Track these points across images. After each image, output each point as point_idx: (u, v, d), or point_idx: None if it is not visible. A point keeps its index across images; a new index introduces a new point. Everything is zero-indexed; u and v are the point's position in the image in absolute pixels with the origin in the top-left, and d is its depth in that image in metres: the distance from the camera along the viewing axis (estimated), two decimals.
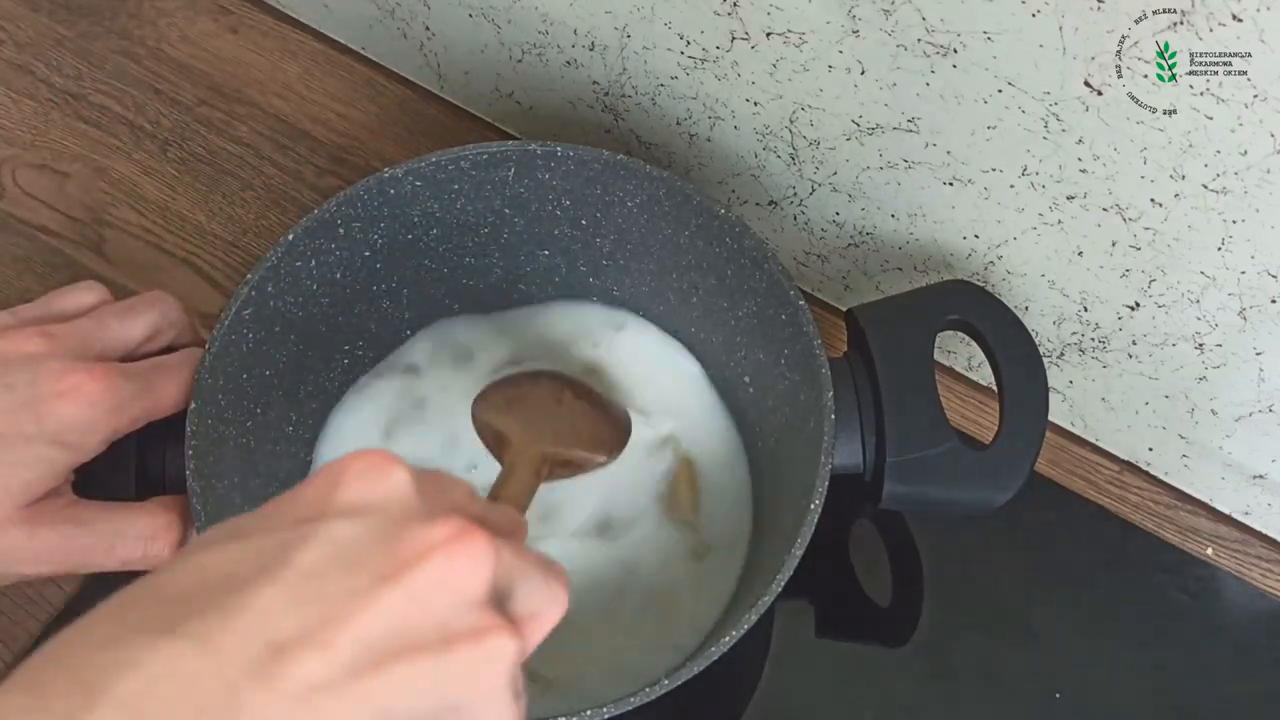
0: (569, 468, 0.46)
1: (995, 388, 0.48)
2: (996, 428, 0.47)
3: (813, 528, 0.44)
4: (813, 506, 0.44)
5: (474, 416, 0.48)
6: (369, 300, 0.55)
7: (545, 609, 0.31)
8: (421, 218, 0.53)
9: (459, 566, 0.28)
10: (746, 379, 0.54)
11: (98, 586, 0.46)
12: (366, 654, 0.26)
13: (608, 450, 0.48)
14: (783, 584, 0.43)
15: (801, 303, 0.48)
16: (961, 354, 0.60)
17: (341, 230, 0.51)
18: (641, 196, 0.52)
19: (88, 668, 0.23)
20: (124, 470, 0.45)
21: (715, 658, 0.42)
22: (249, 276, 0.48)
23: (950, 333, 0.49)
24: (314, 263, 0.51)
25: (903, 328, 0.49)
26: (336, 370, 0.55)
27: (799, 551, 0.43)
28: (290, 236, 0.49)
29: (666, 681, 0.41)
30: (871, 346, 0.48)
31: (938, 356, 0.58)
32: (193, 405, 0.46)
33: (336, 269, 0.52)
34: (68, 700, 0.23)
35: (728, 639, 0.42)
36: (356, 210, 0.51)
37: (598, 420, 0.49)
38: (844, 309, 0.53)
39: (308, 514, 0.28)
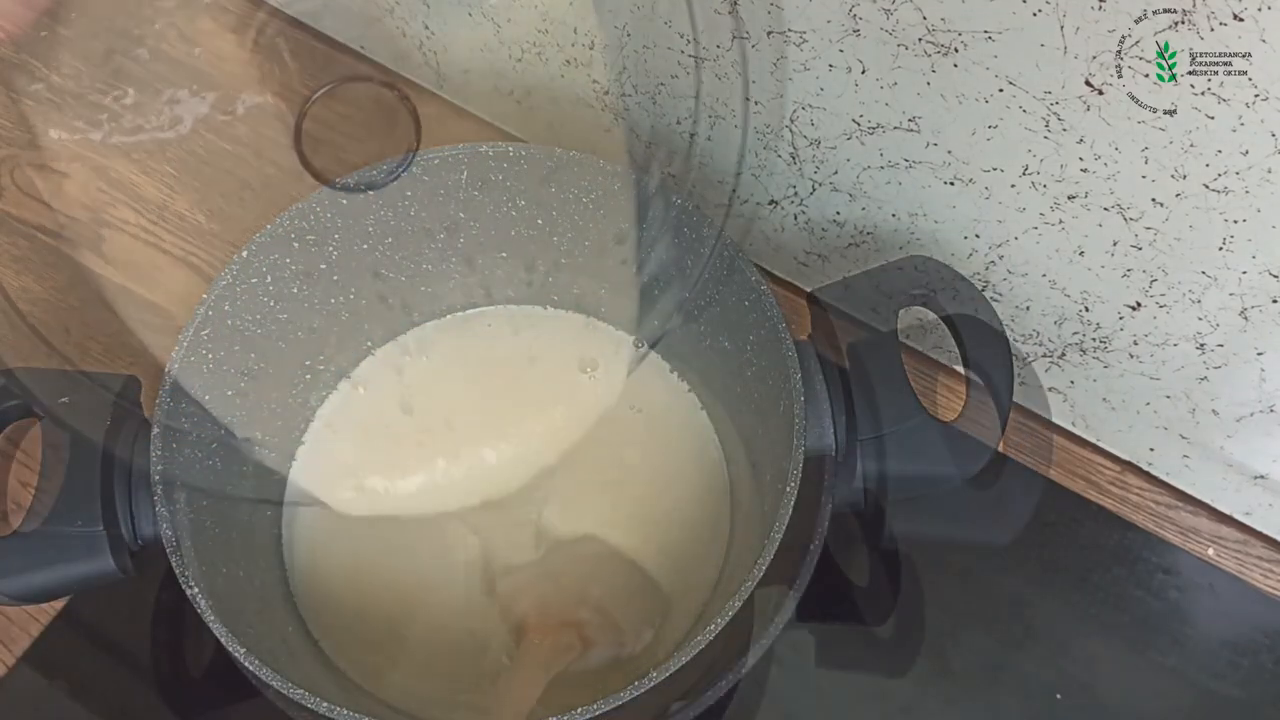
0: None
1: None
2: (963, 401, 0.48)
3: (790, 511, 0.44)
4: (788, 490, 0.44)
5: None
6: (327, 314, 0.54)
7: None
8: (376, 226, 0.53)
9: None
10: (713, 368, 0.54)
11: (97, 590, 0.46)
12: None
13: None
14: (764, 568, 0.43)
15: (764, 286, 0.48)
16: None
17: (296, 244, 0.51)
18: (597, 192, 0.52)
19: None
20: (89, 499, 0.44)
21: (701, 647, 0.42)
22: (205, 296, 0.48)
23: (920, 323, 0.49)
24: (270, 279, 0.50)
25: (866, 306, 0.49)
26: (299, 387, 0.55)
27: (778, 536, 0.43)
28: (244, 253, 0.49)
29: (655, 675, 0.41)
30: (835, 327, 0.48)
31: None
32: (155, 429, 0.45)
33: (293, 283, 0.51)
34: None
35: (713, 627, 0.42)
36: (310, 223, 0.51)
37: None
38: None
39: None
